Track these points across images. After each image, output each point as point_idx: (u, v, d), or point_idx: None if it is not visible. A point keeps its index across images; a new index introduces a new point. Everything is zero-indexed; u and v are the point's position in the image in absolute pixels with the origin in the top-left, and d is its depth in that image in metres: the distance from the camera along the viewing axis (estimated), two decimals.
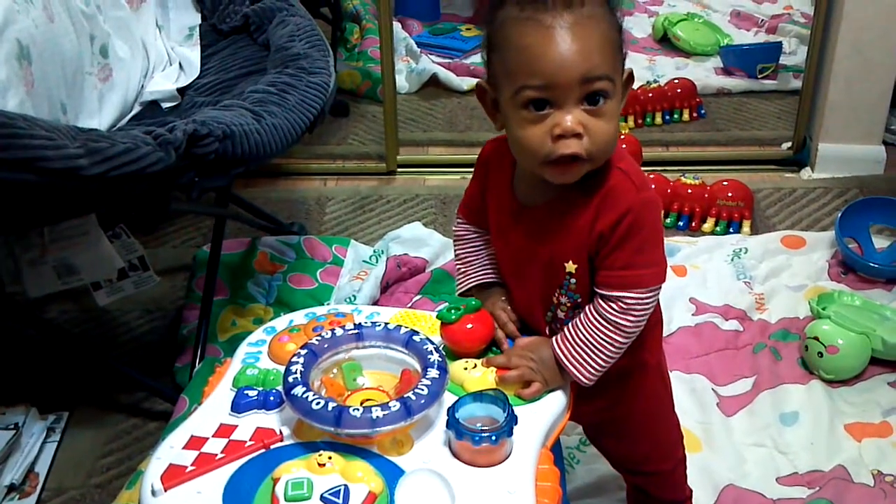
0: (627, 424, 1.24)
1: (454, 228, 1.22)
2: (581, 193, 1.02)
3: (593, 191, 1.02)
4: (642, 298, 1.03)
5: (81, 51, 1.74)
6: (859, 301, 1.86)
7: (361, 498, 0.87)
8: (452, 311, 1.08)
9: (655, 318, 1.12)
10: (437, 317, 1.09)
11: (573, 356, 1.04)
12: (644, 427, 1.25)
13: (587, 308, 1.05)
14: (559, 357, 1.05)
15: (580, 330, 1.05)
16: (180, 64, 2.04)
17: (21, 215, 1.49)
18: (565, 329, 1.07)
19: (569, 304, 1.08)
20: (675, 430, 1.30)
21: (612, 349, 1.04)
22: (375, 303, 1.93)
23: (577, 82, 0.94)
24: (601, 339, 1.04)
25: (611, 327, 1.03)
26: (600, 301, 1.04)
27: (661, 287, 1.05)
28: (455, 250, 1.22)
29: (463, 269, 1.20)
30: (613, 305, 1.03)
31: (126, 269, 1.72)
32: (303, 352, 1.01)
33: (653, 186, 1.05)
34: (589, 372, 1.05)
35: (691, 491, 1.38)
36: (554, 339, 1.07)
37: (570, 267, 1.05)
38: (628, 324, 1.03)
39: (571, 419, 1.08)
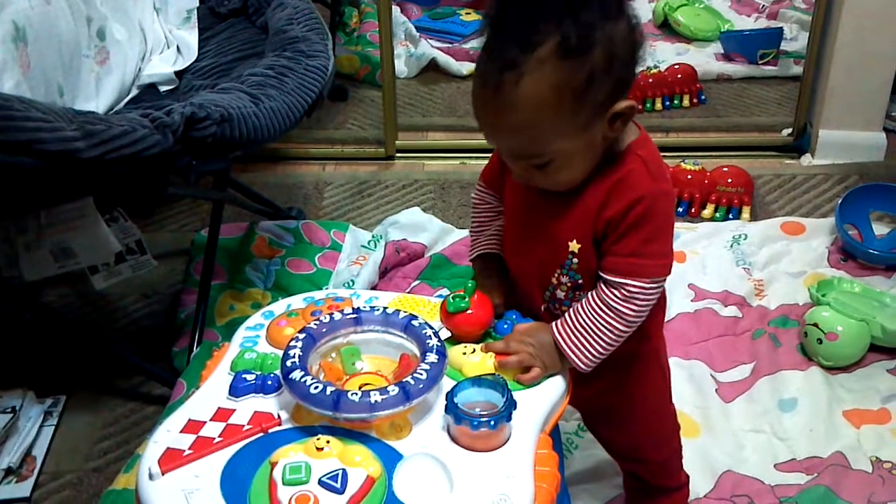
0: (622, 412, 1.24)
1: (473, 195, 1.23)
2: (596, 176, 1.02)
3: (608, 175, 1.01)
4: (646, 288, 1.02)
5: (78, 33, 1.73)
6: (859, 288, 1.85)
7: (359, 482, 0.87)
8: (457, 300, 1.07)
9: (658, 306, 1.12)
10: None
11: (572, 341, 1.04)
12: (638, 415, 1.25)
13: (590, 294, 1.05)
14: (558, 341, 1.05)
15: (581, 315, 1.04)
16: (178, 47, 2.03)
17: (17, 198, 1.48)
18: (566, 314, 1.06)
19: (569, 285, 1.08)
20: (669, 421, 1.30)
21: (612, 336, 1.04)
22: (374, 288, 1.93)
23: (511, 155, 1.00)
24: (602, 325, 1.03)
25: (612, 314, 1.03)
26: (603, 287, 1.04)
27: (665, 279, 1.05)
28: (471, 216, 1.24)
29: (473, 237, 1.22)
30: (616, 292, 1.03)
31: (123, 252, 1.71)
32: (301, 336, 1.01)
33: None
34: (588, 357, 1.04)
35: (688, 477, 1.38)
36: (554, 323, 1.06)
37: (574, 246, 1.05)
38: (630, 312, 1.03)
39: (569, 404, 1.08)
